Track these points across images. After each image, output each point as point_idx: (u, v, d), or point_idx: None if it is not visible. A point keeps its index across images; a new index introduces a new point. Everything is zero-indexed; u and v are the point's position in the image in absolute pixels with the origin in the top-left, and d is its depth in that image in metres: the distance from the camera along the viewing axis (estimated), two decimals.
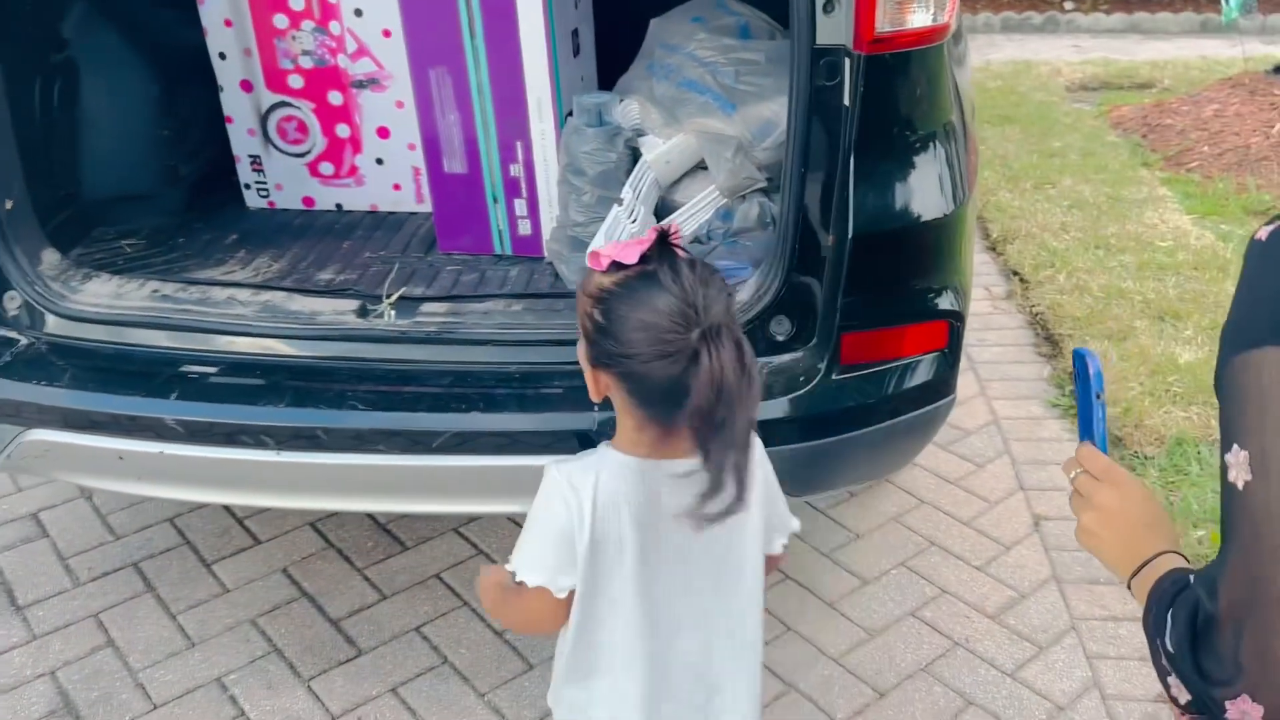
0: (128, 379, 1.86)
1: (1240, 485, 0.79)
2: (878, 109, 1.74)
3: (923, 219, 1.83)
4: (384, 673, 2.21)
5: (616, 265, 1.17)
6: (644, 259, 1.16)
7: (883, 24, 1.67)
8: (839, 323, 1.83)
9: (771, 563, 1.36)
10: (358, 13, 2.38)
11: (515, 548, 1.28)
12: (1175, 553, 1.01)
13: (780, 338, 1.88)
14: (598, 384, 1.24)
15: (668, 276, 1.13)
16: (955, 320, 1.92)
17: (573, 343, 1.88)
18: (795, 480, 1.85)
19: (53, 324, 1.94)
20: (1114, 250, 3.93)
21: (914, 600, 2.41)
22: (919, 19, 1.72)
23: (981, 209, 4.40)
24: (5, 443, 1.88)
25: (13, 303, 1.95)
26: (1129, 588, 1.02)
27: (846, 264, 1.79)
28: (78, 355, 1.91)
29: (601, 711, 1.31)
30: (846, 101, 1.72)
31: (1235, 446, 0.80)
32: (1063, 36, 7.81)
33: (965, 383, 3.23)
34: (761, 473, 1.29)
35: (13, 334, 1.94)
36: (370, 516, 2.66)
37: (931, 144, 1.84)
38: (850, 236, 1.77)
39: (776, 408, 1.83)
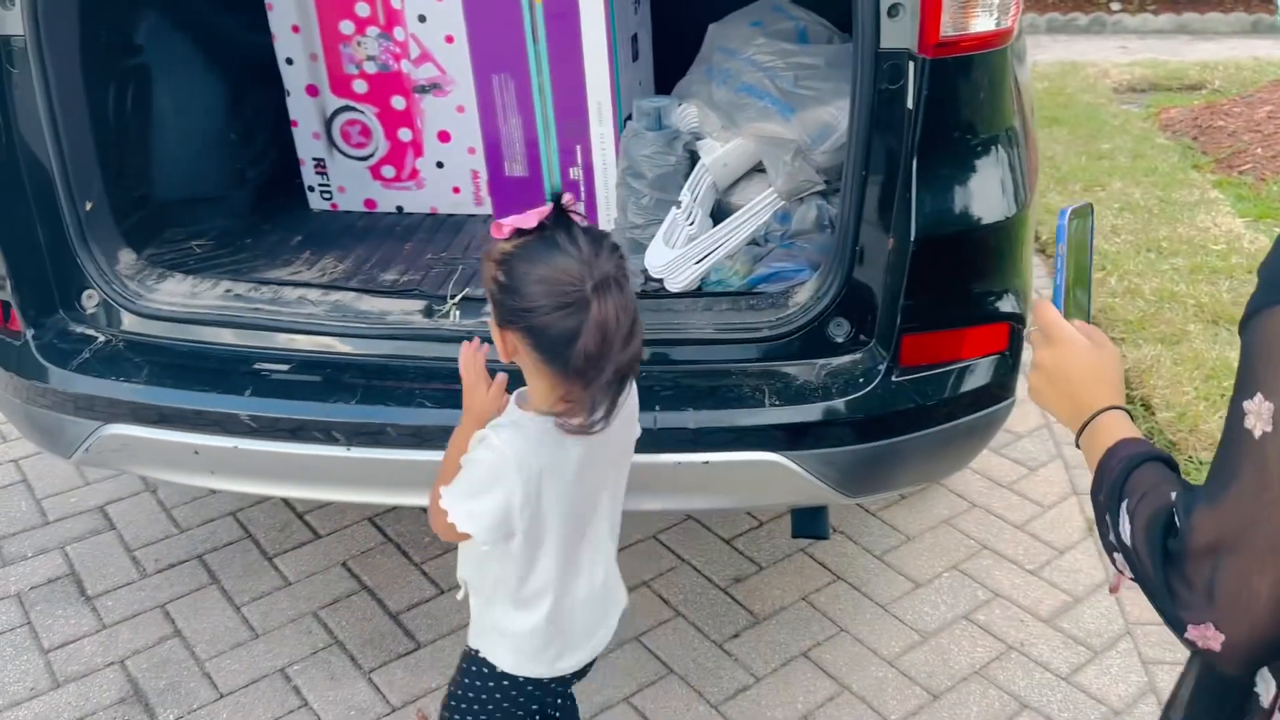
0: (203, 376, 1.92)
1: (1257, 434, 0.81)
2: (941, 112, 1.75)
3: (985, 222, 1.84)
4: (442, 665, 2.25)
5: (518, 232, 1.30)
6: (541, 225, 1.29)
7: (947, 28, 1.68)
8: (899, 324, 1.84)
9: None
10: (421, 19, 2.43)
11: (454, 488, 1.40)
12: (1119, 408, 1.04)
13: (838, 339, 1.89)
14: (505, 344, 1.35)
15: (563, 238, 1.27)
16: (1016, 322, 1.93)
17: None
18: (851, 481, 1.88)
19: (129, 322, 2.00)
20: (1165, 253, 3.90)
21: (967, 603, 2.42)
22: (983, 23, 1.73)
23: None
24: (84, 437, 1.94)
25: (91, 301, 2.01)
26: (1078, 445, 1.07)
27: (908, 266, 1.80)
28: (154, 352, 1.96)
29: (527, 640, 1.51)
30: (910, 105, 1.73)
31: (1259, 396, 0.82)
32: (1109, 37, 7.73)
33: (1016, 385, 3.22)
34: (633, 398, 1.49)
35: (91, 331, 2.00)
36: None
37: (994, 147, 1.85)
38: (912, 239, 1.78)
39: (836, 409, 1.84)
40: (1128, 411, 1.05)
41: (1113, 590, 1.10)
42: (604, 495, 1.49)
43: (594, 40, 2.14)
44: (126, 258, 2.07)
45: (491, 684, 1.53)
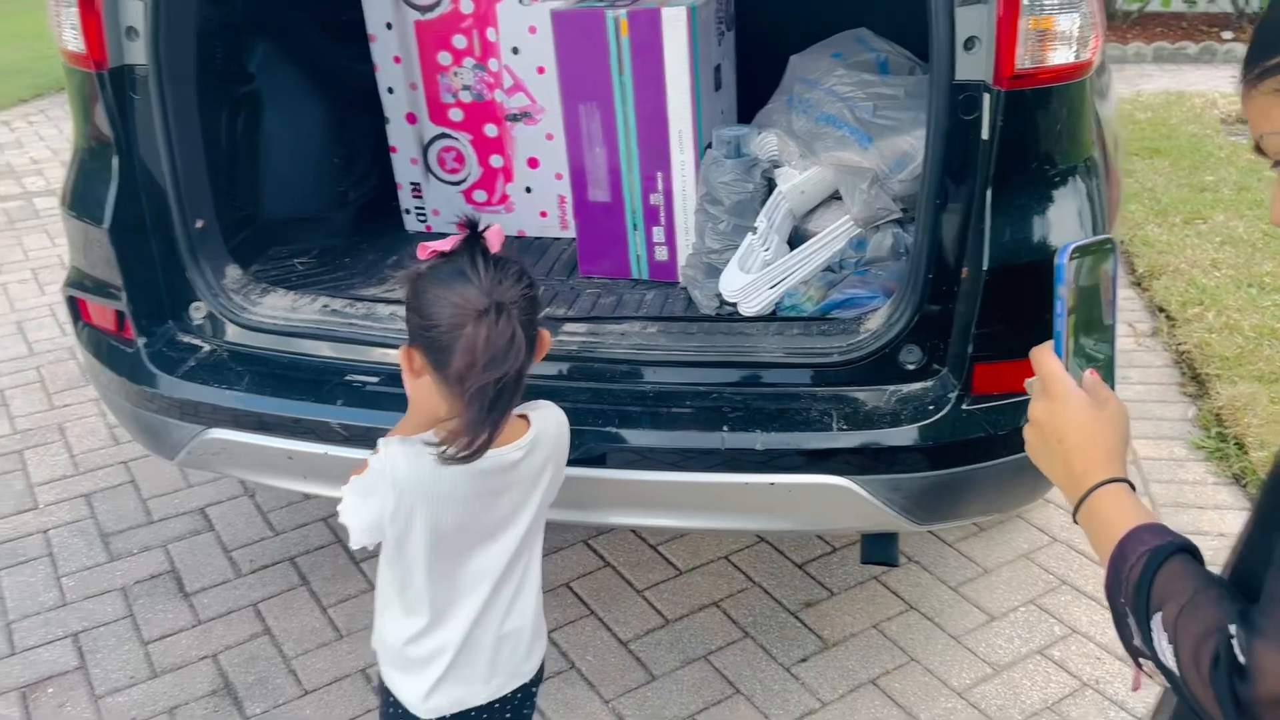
0: (298, 385, 2.03)
1: None
2: (1016, 143, 1.76)
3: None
4: None
5: (439, 255, 1.37)
6: (455, 251, 1.35)
7: (1023, 61, 1.69)
8: (971, 353, 1.85)
9: None
10: (515, 51, 2.53)
11: (352, 483, 1.42)
12: (1120, 481, 0.93)
13: (910, 366, 1.90)
14: (411, 361, 1.40)
15: (467, 263, 1.32)
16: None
17: (706, 365, 1.97)
18: (919, 508, 1.89)
19: (233, 333, 2.13)
20: (1268, 289, 3.77)
21: (1042, 638, 2.38)
22: (1061, 56, 1.73)
23: (1128, 243, 4.28)
24: (187, 440, 2.06)
25: (199, 313, 2.15)
26: (1074, 517, 0.96)
27: (981, 295, 1.80)
28: (254, 362, 2.08)
29: (404, 653, 1.50)
30: (985, 135, 1.75)
31: None
32: (1219, 67, 7.50)
33: None
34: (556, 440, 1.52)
35: (197, 341, 2.13)
36: None
37: (1071, 178, 1.85)
38: (985, 268, 1.79)
39: (904, 435, 1.85)
40: (1129, 483, 0.94)
41: (1134, 688, 0.96)
42: (507, 534, 1.47)
43: (677, 72, 2.20)
44: (233, 273, 2.20)
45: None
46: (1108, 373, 1.03)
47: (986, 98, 1.72)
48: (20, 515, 2.91)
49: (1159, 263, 4.02)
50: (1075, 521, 0.96)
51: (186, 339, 2.13)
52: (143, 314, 2.10)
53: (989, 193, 1.76)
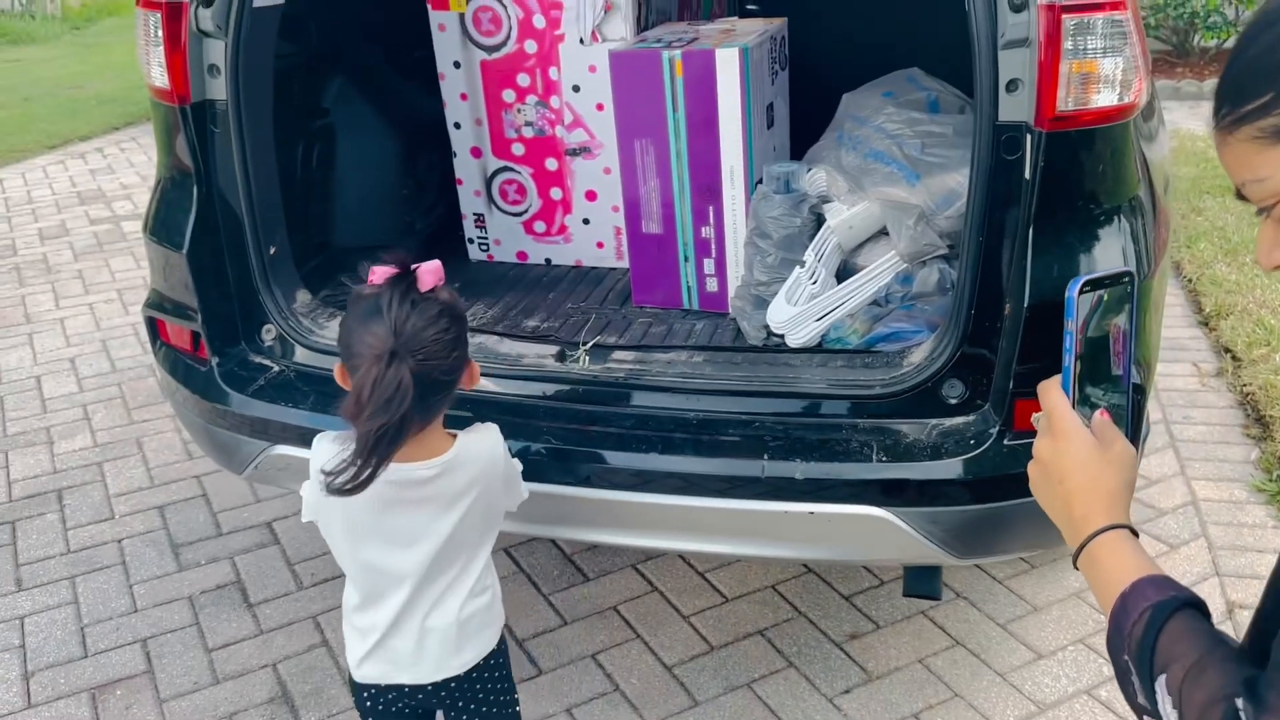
0: None
1: None
2: (1059, 183, 1.78)
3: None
4: (561, 693, 2.37)
5: (372, 285, 1.47)
6: (381, 288, 1.43)
7: (1065, 103, 1.72)
8: (1013, 389, 1.86)
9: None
10: (575, 89, 2.62)
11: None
12: (1122, 527, 0.90)
13: (952, 401, 1.92)
14: (341, 373, 1.54)
15: (385, 303, 1.41)
16: (1136, 393, 1.91)
17: (751, 394, 2.02)
18: (959, 542, 1.90)
19: (301, 355, 2.23)
20: None
21: (1090, 678, 2.36)
22: (1104, 99, 1.75)
23: (1195, 282, 4.22)
24: (255, 455, 2.17)
25: (269, 335, 2.26)
26: (1075, 565, 0.93)
27: (1023, 332, 1.82)
28: (319, 382, 2.17)
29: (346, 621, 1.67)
30: (1027, 175, 1.78)
31: None
32: None
33: (1163, 461, 3.12)
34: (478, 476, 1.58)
35: (267, 362, 2.24)
36: (557, 546, 2.85)
37: (1115, 218, 1.87)
38: (1027, 305, 1.81)
39: (945, 469, 1.87)
40: (1132, 530, 0.91)
41: None
42: (424, 543, 1.56)
43: (729, 110, 2.26)
44: (303, 297, 2.31)
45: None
46: (1121, 421, 0.99)
47: (1029, 138, 1.75)
48: (97, 525, 3.06)
49: (1226, 302, 3.95)
50: (1075, 567, 0.94)
51: (257, 359, 2.24)
52: (217, 335, 2.22)
53: (1031, 231, 1.79)
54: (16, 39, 12.10)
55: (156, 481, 3.25)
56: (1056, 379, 1.01)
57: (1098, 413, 0.99)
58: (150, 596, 2.75)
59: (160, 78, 2.15)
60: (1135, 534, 0.93)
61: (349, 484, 1.37)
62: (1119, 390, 1.01)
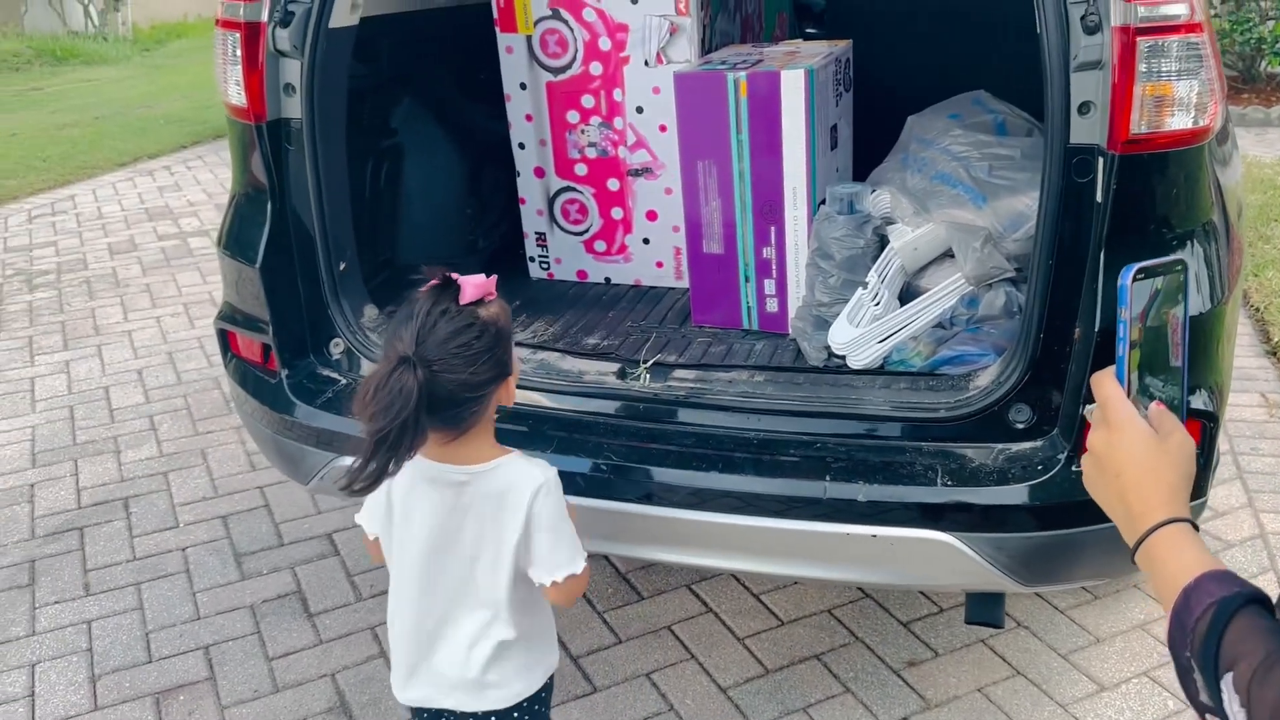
0: None
1: None
2: (1131, 206, 1.76)
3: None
4: (615, 711, 2.37)
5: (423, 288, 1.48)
6: (423, 294, 1.45)
7: (1139, 126, 1.71)
8: (1082, 415, 1.84)
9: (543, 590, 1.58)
10: (639, 110, 2.65)
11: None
12: (1182, 521, 0.86)
13: (1019, 425, 1.90)
14: None
15: (421, 310, 1.43)
16: (1208, 421, 1.88)
17: (813, 415, 2.01)
18: (1024, 569, 1.87)
19: (367, 368, 2.27)
20: None
21: (1155, 712, 2.31)
22: (1178, 122, 1.74)
23: (1263, 310, 4.14)
24: (320, 466, 2.20)
25: (337, 348, 2.30)
26: (1133, 560, 0.89)
27: (1092, 357, 1.80)
28: None
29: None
30: (1099, 198, 1.76)
31: None
32: None
33: (1230, 493, 3.05)
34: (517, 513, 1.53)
35: (335, 375, 2.28)
36: (612, 565, 2.86)
37: (1188, 242, 1.84)
38: (1097, 330, 1.79)
39: (1011, 494, 1.85)
40: (1192, 523, 0.88)
41: None
42: (459, 554, 1.56)
43: (793, 131, 2.27)
44: (370, 312, 2.35)
45: None
46: (1178, 413, 0.96)
47: (1101, 161, 1.74)
48: (162, 533, 3.12)
49: None
50: (1133, 562, 0.91)
51: (325, 372, 2.29)
52: (287, 348, 2.26)
53: (1102, 254, 1.77)
54: (89, 60, 12.49)
55: (220, 491, 3.32)
56: (1111, 369, 0.96)
57: (1154, 404, 0.96)
58: (213, 604, 2.80)
59: (237, 96, 2.21)
60: (1195, 527, 0.90)
61: (348, 485, 1.39)
62: (1176, 382, 0.98)
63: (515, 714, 1.64)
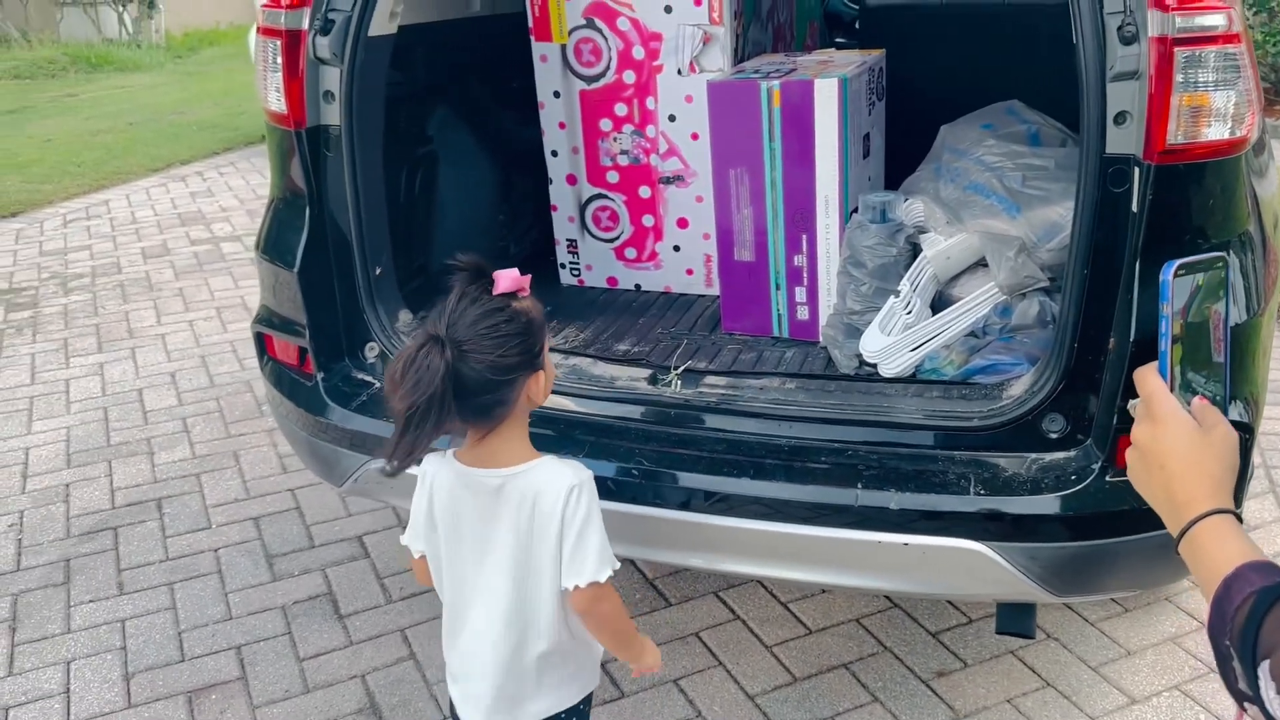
0: None
1: None
2: (1167, 217, 1.76)
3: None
4: (643, 717, 2.37)
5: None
6: (462, 278, 1.48)
7: (1175, 136, 1.70)
8: (1116, 425, 1.84)
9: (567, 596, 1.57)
10: (671, 118, 2.67)
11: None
12: (1226, 512, 0.88)
13: (1053, 435, 1.90)
14: None
15: (453, 296, 1.46)
16: (1244, 433, 1.86)
17: (844, 423, 2.02)
18: (1057, 579, 1.87)
19: None
20: None
21: None
22: (1215, 132, 1.73)
23: None
24: (355, 469, 2.23)
25: (372, 352, 2.32)
26: (1176, 550, 0.90)
27: (1127, 367, 1.80)
28: None
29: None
30: (1134, 208, 1.76)
31: None
32: None
33: (1263, 507, 3.03)
34: (548, 516, 1.53)
35: (369, 378, 2.31)
36: (640, 571, 2.86)
37: (1224, 253, 1.83)
38: (1132, 340, 1.78)
39: (1044, 504, 1.85)
40: (1236, 515, 0.90)
41: None
42: (498, 561, 1.56)
43: (826, 140, 2.28)
44: (404, 316, 2.37)
45: None
46: (1220, 395, 0.98)
47: (1136, 171, 1.73)
48: (195, 534, 3.16)
49: None
50: (1176, 552, 0.93)
51: (359, 376, 2.31)
52: (323, 351, 2.29)
53: (1138, 264, 1.76)
54: (123, 66, 12.67)
55: (252, 493, 3.35)
56: (1153, 364, 0.98)
57: (1196, 398, 0.97)
58: (244, 605, 2.82)
59: (277, 103, 2.25)
60: (1240, 519, 0.91)
61: (384, 459, 1.43)
62: (1218, 378, 0.99)
63: None
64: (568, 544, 1.52)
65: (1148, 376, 0.98)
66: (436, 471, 1.59)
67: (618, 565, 1.57)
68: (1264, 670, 0.78)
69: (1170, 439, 0.94)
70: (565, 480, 1.53)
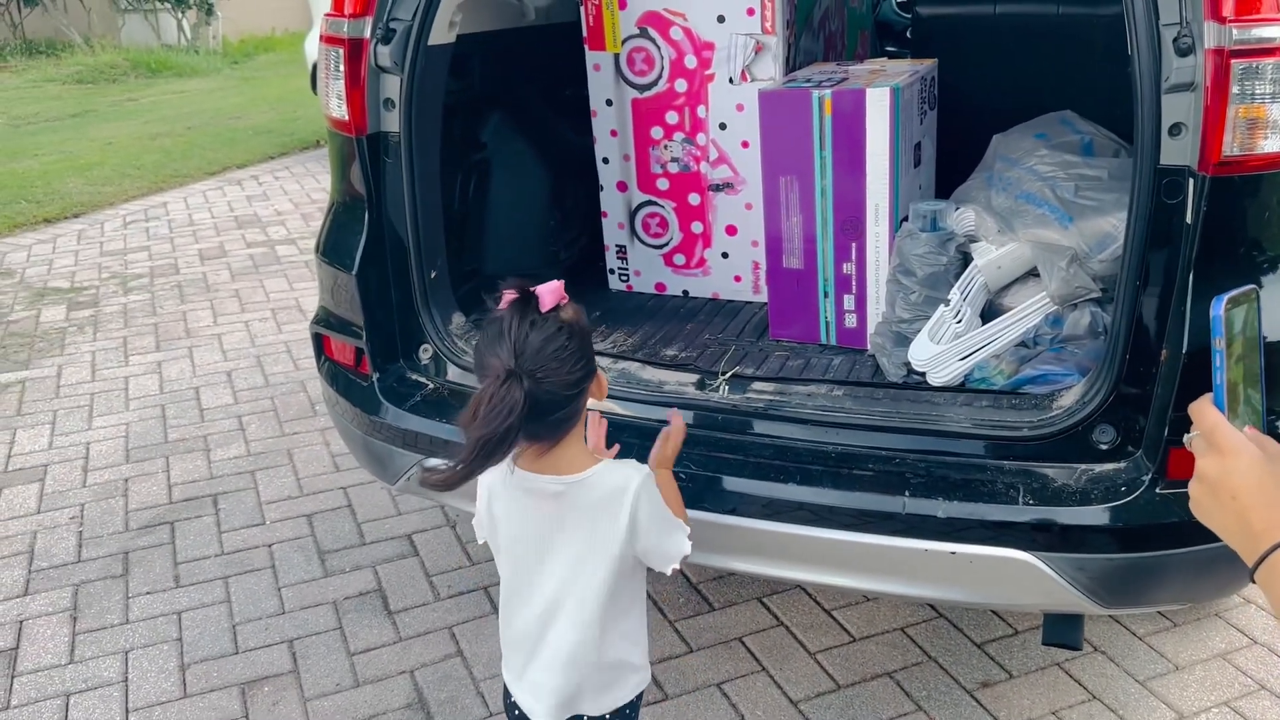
0: None
1: None
2: (1221, 228, 1.75)
3: (1268, 340, 1.80)
4: (687, 719, 2.39)
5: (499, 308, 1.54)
6: (504, 311, 1.50)
7: (1230, 149, 1.70)
8: (1167, 436, 1.83)
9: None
10: (722, 126, 2.69)
11: None
12: None
13: (1103, 446, 1.90)
14: None
15: (506, 325, 1.48)
16: None
17: (892, 430, 2.02)
18: (1105, 591, 1.86)
19: (453, 373, 2.34)
20: None
21: None
22: (1272, 144, 1.71)
23: None
24: (408, 467, 2.27)
25: (425, 354, 2.37)
26: (1251, 577, 0.91)
27: (1179, 379, 1.79)
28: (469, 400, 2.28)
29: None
30: (1188, 219, 1.75)
31: None
32: None
33: None
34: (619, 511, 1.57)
35: (423, 379, 2.36)
36: (684, 575, 2.89)
37: (1255, 285, 1.82)
38: (1185, 351, 1.77)
39: (1093, 515, 1.84)
40: None
41: None
42: (556, 563, 1.61)
43: (877, 149, 2.29)
44: (458, 319, 2.42)
45: None
46: (1261, 425, 1.00)
47: (1191, 183, 1.73)
48: (249, 529, 3.23)
49: None
50: (1253, 580, 0.94)
51: (414, 376, 2.36)
52: (379, 352, 2.34)
53: (1191, 276, 1.76)
54: (181, 72, 12.95)
55: (305, 491, 3.42)
56: (1208, 397, 0.99)
57: (1247, 428, 0.98)
58: (297, 599, 2.89)
59: (339, 110, 2.30)
60: None
61: (440, 481, 1.45)
62: (1257, 406, 1.01)
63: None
64: (652, 538, 1.60)
65: (1206, 410, 0.99)
66: (501, 482, 1.62)
67: (688, 528, 1.67)
68: None
69: (1243, 471, 0.95)
70: (631, 480, 1.58)
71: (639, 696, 1.73)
